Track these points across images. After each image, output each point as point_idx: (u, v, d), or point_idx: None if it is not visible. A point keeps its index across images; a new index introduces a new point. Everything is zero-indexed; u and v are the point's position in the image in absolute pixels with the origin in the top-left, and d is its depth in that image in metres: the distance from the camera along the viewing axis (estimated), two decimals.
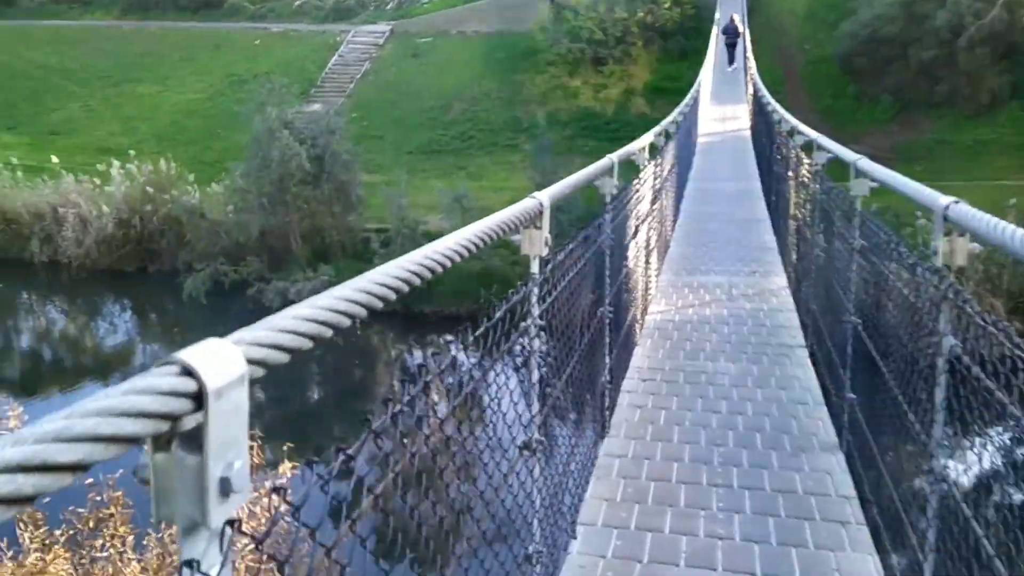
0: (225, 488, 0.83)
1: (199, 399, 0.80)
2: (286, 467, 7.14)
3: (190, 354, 0.82)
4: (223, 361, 0.85)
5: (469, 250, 1.78)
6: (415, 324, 19.30)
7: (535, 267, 2.56)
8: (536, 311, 2.52)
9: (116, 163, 22.83)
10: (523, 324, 2.43)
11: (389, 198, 19.94)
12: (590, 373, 3.62)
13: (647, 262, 6.08)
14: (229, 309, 20.20)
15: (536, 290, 2.53)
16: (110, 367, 18.21)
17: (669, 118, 10.58)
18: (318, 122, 20.51)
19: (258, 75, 30.51)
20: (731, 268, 7.28)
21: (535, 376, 2.58)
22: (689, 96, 14.46)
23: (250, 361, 0.92)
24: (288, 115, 19.76)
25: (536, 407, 2.56)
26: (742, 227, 9.14)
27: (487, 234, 1.92)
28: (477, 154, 26.95)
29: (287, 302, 9.14)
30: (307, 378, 17.12)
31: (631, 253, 5.04)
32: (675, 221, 9.33)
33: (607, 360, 4.08)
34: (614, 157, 4.50)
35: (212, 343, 0.88)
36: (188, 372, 0.80)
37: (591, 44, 29.87)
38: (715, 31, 28.52)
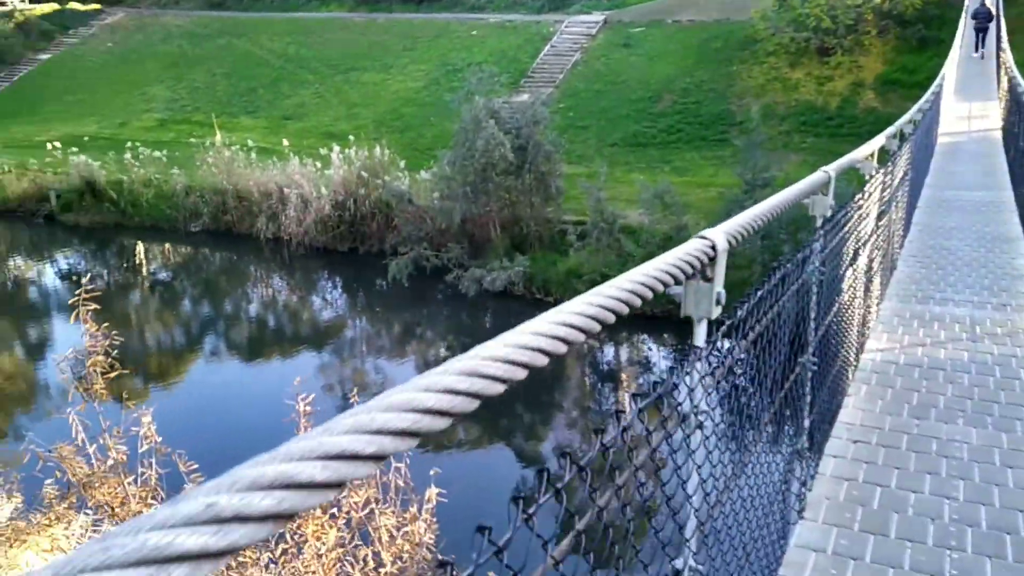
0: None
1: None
2: None
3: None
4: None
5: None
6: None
7: (700, 335, 1.95)
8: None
9: (336, 148, 24.06)
10: (682, 409, 1.84)
11: (587, 190, 19.50)
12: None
13: (867, 289, 5.19)
14: (426, 294, 20.74)
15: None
16: (324, 338, 19.14)
17: (906, 116, 9.33)
18: (523, 112, 20.43)
19: (472, 64, 31.13)
20: (975, 298, 6.11)
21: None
22: (930, 91, 12.84)
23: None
24: (495, 105, 19.82)
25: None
26: (990, 246, 7.80)
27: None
28: (684, 148, 25.90)
29: (481, 291, 9.14)
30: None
31: (846, 284, 4.22)
32: (905, 236, 8.17)
33: (806, 423, 3.35)
34: (830, 170, 3.66)
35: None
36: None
37: (817, 33, 27.76)
38: (963, 18, 25.59)
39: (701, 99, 28.02)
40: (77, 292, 7.51)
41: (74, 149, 27.16)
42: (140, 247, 25.43)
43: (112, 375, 7.31)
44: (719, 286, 1.97)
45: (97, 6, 48.03)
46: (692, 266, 1.78)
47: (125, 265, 24.92)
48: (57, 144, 28.16)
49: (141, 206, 26.37)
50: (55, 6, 47.07)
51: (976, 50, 24.67)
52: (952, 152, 14.07)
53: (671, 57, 30.74)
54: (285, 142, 26.94)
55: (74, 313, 7.52)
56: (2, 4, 46.10)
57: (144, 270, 24.58)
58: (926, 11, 27.81)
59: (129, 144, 27.66)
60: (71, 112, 36.55)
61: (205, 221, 25.45)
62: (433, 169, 22.08)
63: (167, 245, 25.87)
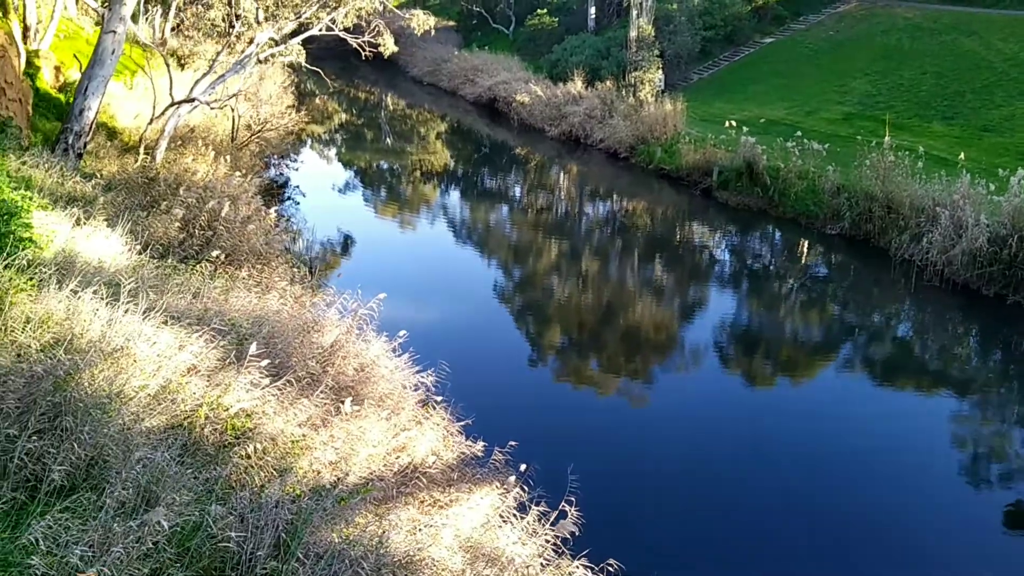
0: None
1: None
2: None
3: None
4: None
5: None
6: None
7: None
8: None
9: (1021, 172, 19.61)
10: None
11: None
12: None
13: None
14: None
15: None
16: (903, 380, 16.17)
17: None
18: None
19: None
20: None
21: None
22: None
23: None
24: None
25: None
26: None
27: None
28: None
29: None
30: None
31: None
32: None
33: None
34: None
35: None
36: None
37: None
38: None
39: None
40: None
41: (745, 129, 27.74)
42: (781, 241, 25.11)
43: None
44: None
45: None
46: None
47: (759, 254, 24.92)
48: (733, 123, 29.18)
49: (788, 196, 25.75)
50: None
51: None
52: None
53: None
54: (961, 155, 23.04)
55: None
56: None
57: (771, 262, 24.18)
58: None
59: (799, 133, 27.11)
60: (770, 95, 37.63)
61: (845, 225, 23.58)
62: None
63: (801, 241, 24.88)
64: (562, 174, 35.80)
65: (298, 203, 27.30)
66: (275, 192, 26.75)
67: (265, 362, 8.60)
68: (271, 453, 7.60)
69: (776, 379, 16.88)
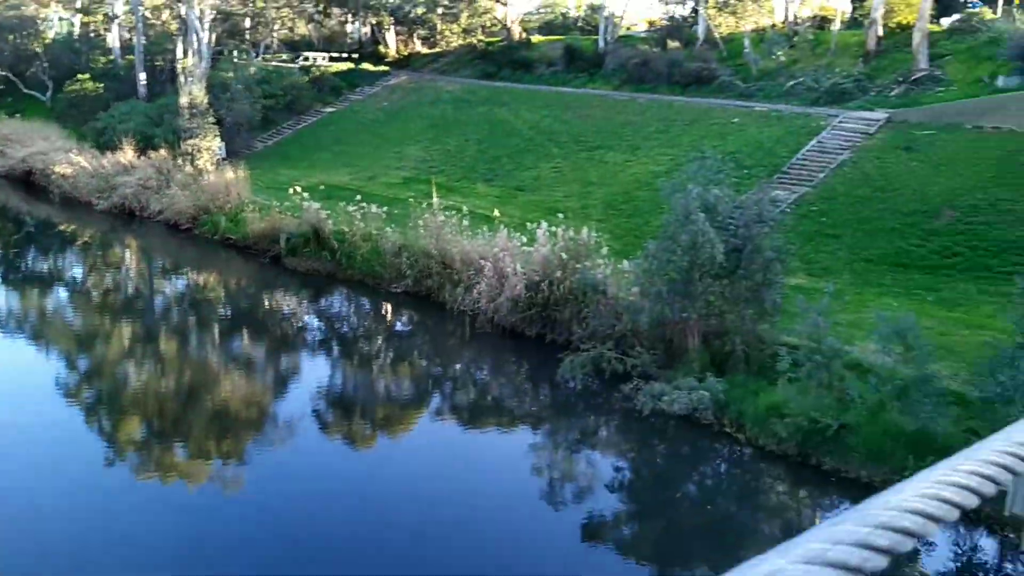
0: None
1: None
2: None
3: None
4: None
5: None
6: (814, 479, 14.98)
7: None
8: None
9: (544, 224, 22.29)
10: None
11: (805, 311, 15.84)
12: None
13: None
14: (598, 402, 18.02)
15: None
16: (478, 421, 17.50)
17: None
18: (747, 208, 17.28)
19: (725, 153, 28.20)
20: None
21: None
22: None
23: None
24: (710, 197, 16.90)
25: None
26: None
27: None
28: (959, 277, 21.01)
29: (654, 411, 11.12)
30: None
31: None
32: None
33: None
34: None
35: None
36: None
37: None
38: None
39: (993, 220, 22.85)
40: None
41: (307, 196, 27.93)
42: (352, 303, 25.52)
43: None
44: None
45: (386, 68, 51.46)
46: None
47: (333, 317, 25.00)
48: (299, 189, 29.28)
49: (355, 259, 26.34)
50: (350, 65, 51.06)
51: None
52: None
53: (962, 167, 25.72)
54: (496, 212, 25.68)
55: None
56: (305, 59, 50.79)
57: (345, 325, 24.43)
58: None
59: (359, 197, 28.02)
60: (335, 162, 38.62)
61: (407, 283, 24.74)
62: (636, 260, 19.47)
63: (371, 301, 25.53)
64: (122, 250, 32.82)
65: None
66: None
67: None
68: None
69: (371, 436, 17.24)
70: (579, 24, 60.91)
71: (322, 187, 30.55)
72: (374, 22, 56.97)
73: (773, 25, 45.67)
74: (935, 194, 24.50)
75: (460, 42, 53.38)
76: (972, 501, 1.04)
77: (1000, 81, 30.97)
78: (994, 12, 40.24)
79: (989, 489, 1.08)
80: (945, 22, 39.16)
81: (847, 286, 20.89)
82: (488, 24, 55.08)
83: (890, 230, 23.44)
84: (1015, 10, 38.72)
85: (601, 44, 47.03)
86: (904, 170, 26.39)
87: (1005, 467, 1.17)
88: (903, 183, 25.62)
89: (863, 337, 16.98)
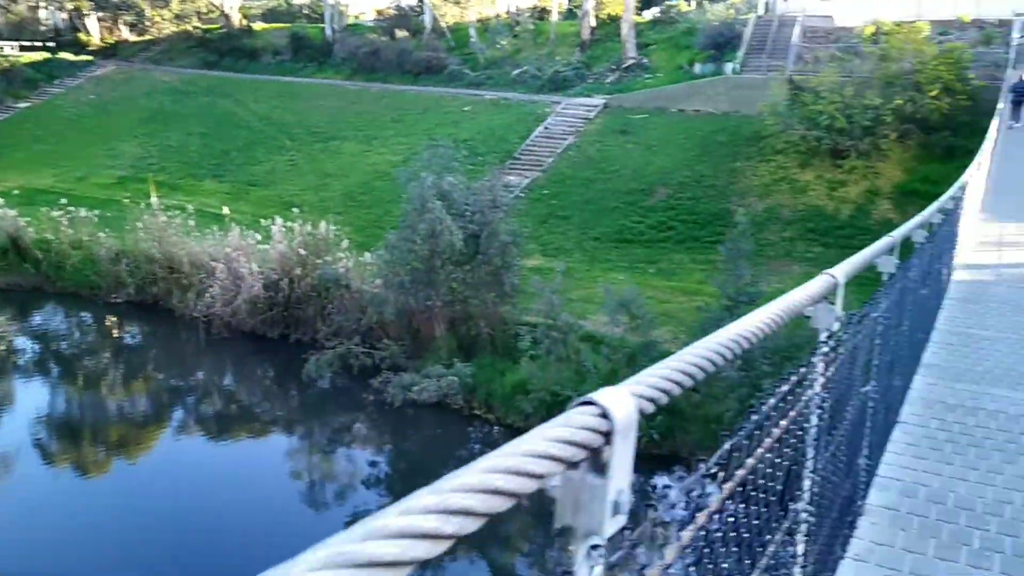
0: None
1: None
2: None
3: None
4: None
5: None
6: None
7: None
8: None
9: (279, 220, 21.29)
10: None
11: (540, 290, 16.51)
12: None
13: None
14: (348, 399, 17.58)
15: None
16: (227, 433, 16.46)
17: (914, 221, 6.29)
18: (481, 195, 17.61)
19: (458, 141, 28.61)
20: None
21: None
22: (948, 195, 9.13)
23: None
24: (445, 184, 17.02)
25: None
26: None
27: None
28: (674, 248, 22.98)
29: (406, 402, 10.52)
30: None
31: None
32: None
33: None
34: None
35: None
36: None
37: (831, 133, 25.07)
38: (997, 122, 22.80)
39: (699, 195, 25.23)
40: None
41: (1, 202, 24.58)
42: (66, 318, 22.78)
43: None
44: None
45: (89, 58, 46.63)
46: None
47: (45, 335, 22.18)
48: None
49: (65, 269, 23.60)
50: (46, 55, 45.67)
51: (1014, 120, 24.51)
52: (975, 300, 9.86)
53: (671, 148, 28.16)
54: (225, 209, 24.19)
55: None
56: None
57: (60, 343, 21.81)
58: (954, 117, 25.13)
59: (64, 200, 25.09)
60: (36, 163, 34.35)
61: (130, 292, 22.60)
62: (378, 251, 19.21)
63: (88, 314, 23.04)
64: None
65: None
66: None
67: None
68: None
69: (106, 461, 15.58)
70: (304, 12, 59.04)
71: (17, 191, 27.05)
72: (71, 7, 51.30)
73: (497, 15, 47.15)
74: (649, 173, 26.59)
75: (173, 29, 49.64)
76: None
77: (697, 68, 34.23)
78: (689, 4, 44.42)
79: None
80: (648, 14, 42.64)
81: (578, 264, 22.09)
82: (204, 10, 51.71)
83: (613, 209, 25.10)
84: (706, 2, 42.98)
85: (328, 32, 45.91)
86: (622, 152, 28.39)
87: None
88: (622, 164, 27.55)
89: (594, 311, 18.02)
